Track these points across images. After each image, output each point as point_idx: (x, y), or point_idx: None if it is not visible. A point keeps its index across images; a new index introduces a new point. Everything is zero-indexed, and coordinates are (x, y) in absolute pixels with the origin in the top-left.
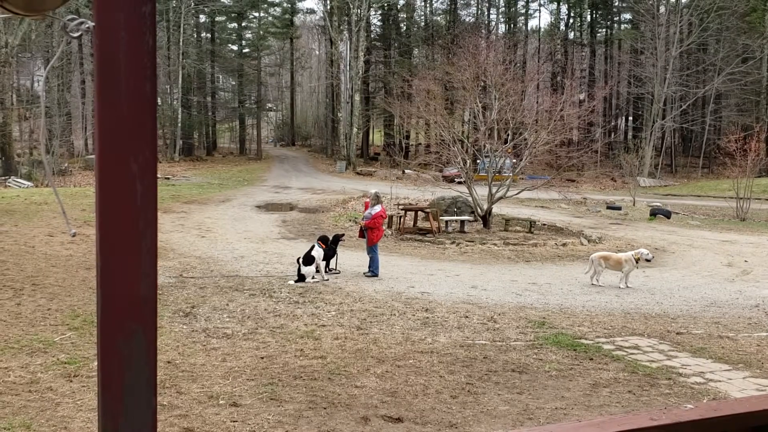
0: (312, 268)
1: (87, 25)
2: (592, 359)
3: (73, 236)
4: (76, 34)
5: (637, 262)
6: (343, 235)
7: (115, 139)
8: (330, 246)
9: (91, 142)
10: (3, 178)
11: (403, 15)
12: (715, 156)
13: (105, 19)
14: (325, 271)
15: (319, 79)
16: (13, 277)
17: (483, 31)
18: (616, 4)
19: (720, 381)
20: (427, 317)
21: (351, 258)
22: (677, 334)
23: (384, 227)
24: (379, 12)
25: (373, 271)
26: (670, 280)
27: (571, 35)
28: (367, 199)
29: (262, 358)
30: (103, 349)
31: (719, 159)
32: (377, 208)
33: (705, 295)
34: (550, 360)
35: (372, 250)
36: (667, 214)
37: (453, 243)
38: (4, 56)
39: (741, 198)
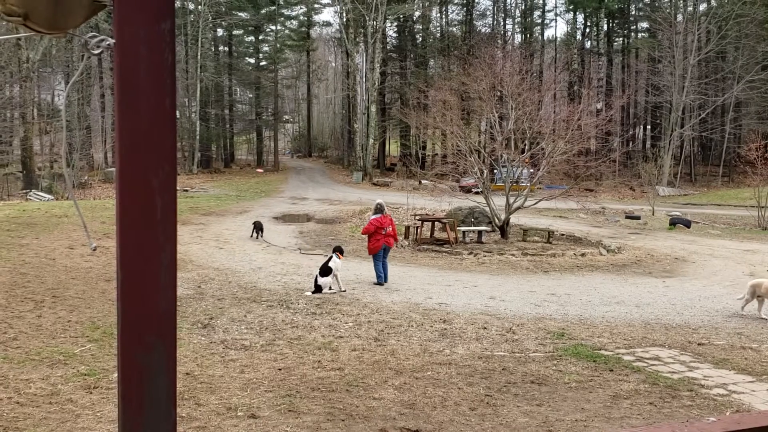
0: (329, 279)
1: (108, 42)
2: (612, 370)
3: (94, 250)
4: (97, 51)
5: None
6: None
7: (136, 154)
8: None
9: (111, 155)
10: (24, 191)
11: (418, 26)
12: (735, 164)
13: (125, 35)
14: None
15: (336, 91)
16: (34, 290)
17: (499, 41)
18: (633, 13)
19: (743, 393)
20: (445, 328)
21: (368, 269)
22: (699, 344)
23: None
24: (395, 24)
25: (378, 280)
26: (691, 290)
27: (588, 44)
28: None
29: (280, 369)
30: (123, 362)
31: (739, 167)
32: (374, 216)
33: (727, 305)
34: (569, 371)
35: (373, 258)
36: (687, 224)
37: (470, 253)
38: (25, 71)
39: (762, 207)
